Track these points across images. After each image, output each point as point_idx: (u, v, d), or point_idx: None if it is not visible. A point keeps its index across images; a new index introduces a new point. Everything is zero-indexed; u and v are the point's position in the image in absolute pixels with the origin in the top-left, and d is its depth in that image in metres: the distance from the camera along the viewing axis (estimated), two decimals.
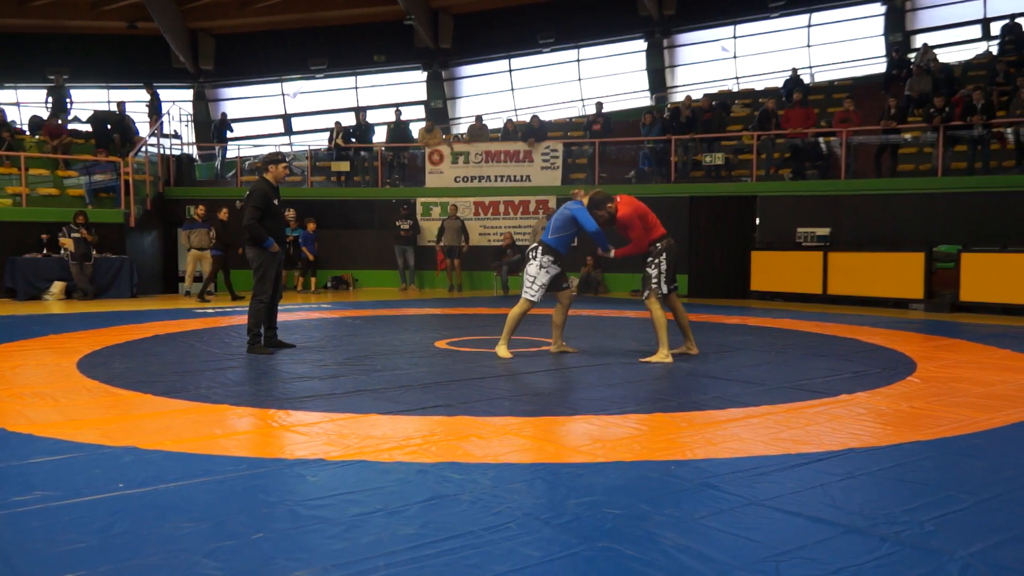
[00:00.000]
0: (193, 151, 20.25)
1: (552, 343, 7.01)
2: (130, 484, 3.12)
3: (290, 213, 6.29)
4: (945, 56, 18.03)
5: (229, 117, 21.15)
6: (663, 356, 6.36)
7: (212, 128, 20.90)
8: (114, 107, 17.89)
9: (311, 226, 15.55)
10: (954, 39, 20.69)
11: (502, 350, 6.61)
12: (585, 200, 6.59)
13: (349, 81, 25.57)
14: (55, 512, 2.80)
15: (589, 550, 2.48)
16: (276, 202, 6.90)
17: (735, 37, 22.98)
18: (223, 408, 4.60)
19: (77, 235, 13.10)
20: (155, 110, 18.57)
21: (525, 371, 6.02)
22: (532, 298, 6.57)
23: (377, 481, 3.19)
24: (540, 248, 6.58)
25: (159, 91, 19.92)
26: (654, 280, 6.44)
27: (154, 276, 15.40)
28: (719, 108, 17.07)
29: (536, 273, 6.56)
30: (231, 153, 20.19)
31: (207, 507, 2.86)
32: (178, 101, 21.88)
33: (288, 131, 25.80)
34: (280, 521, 2.72)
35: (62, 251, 13.22)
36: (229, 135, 20.66)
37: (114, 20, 23.39)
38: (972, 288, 11.24)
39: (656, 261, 6.46)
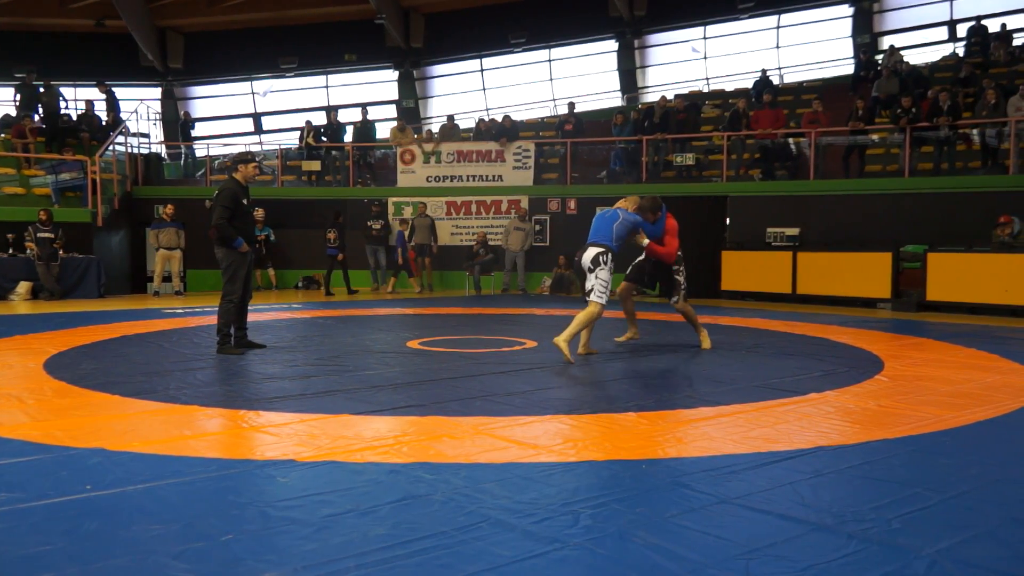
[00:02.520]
0: (162, 150, 20.02)
1: (629, 333, 7.71)
2: (98, 486, 3.08)
3: (259, 213, 6.34)
4: (912, 58, 18.29)
5: (197, 116, 21.00)
6: (706, 340, 7.41)
7: (179, 127, 20.69)
8: (81, 105, 17.60)
9: (403, 227, 15.75)
10: (921, 41, 21.00)
11: (564, 345, 6.34)
12: (629, 206, 6.95)
13: (320, 80, 25.41)
14: (21, 514, 2.75)
15: (561, 549, 2.48)
16: (245, 202, 6.88)
17: (705, 38, 23.16)
18: (192, 409, 4.56)
19: (44, 235, 12.89)
20: (112, 108, 18.18)
21: (496, 371, 6.02)
22: (605, 302, 6.50)
23: (348, 482, 3.18)
24: (610, 255, 6.50)
25: (128, 89, 19.69)
26: (683, 285, 7.33)
27: (122, 276, 15.21)
28: (690, 109, 17.19)
29: (608, 278, 6.48)
30: (200, 152, 20.00)
31: (176, 509, 2.83)
32: (146, 100, 21.63)
33: (258, 130, 25.59)
34: (250, 522, 2.70)
35: (28, 251, 13.00)
36: (193, 134, 20.43)
37: (82, 18, 23.06)
38: (938, 287, 11.41)
39: (681, 268, 7.33)
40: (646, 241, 6.96)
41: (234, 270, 6.80)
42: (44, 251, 12.82)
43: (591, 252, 6.52)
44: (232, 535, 2.58)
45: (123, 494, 2.99)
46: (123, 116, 17.71)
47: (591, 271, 6.47)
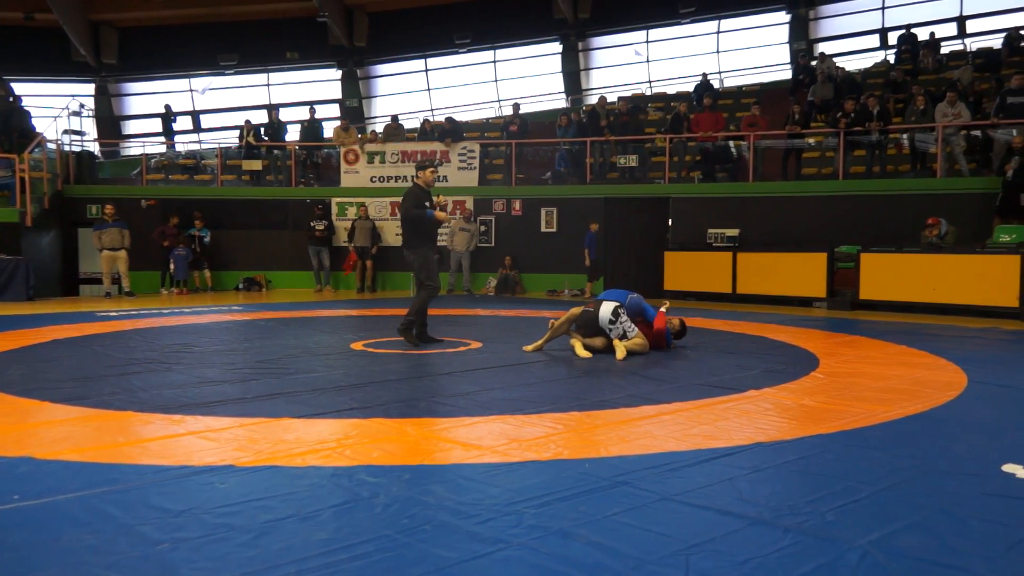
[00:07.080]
0: (95, 148, 19.49)
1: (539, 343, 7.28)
2: (26, 496, 2.98)
3: (441, 200, 7.37)
4: (845, 64, 18.74)
5: (132, 113, 20.36)
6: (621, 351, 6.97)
7: (160, 121, 19.98)
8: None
9: (594, 226, 14.89)
10: (854, 48, 21.57)
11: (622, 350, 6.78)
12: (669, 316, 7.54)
13: (261, 78, 25.05)
14: None
15: (504, 549, 2.48)
16: (427, 204, 7.58)
17: (648, 42, 23.43)
18: (127, 415, 4.44)
19: None
20: None
21: (441, 372, 6.00)
22: (637, 331, 7.02)
23: (289, 486, 3.13)
24: (624, 309, 7.06)
25: (60, 85, 19.08)
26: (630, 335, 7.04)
27: (53, 278, 14.78)
28: (633, 111, 17.36)
29: (631, 323, 7.01)
30: (135, 151, 19.53)
31: (109, 518, 2.75)
32: (78, 96, 21.06)
33: (197, 128, 25.09)
34: (187, 530, 2.64)
35: None
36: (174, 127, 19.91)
37: (10, 11, 22.33)
38: (871, 287, 11.73)
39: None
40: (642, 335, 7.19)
41: (430, 265, 7.55)
42: None
43: (608, 306, 7.03)
44: (168, 543, 2.52)
45: (53, 504, 2.90)
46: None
47: (612, 322, 6.93)
